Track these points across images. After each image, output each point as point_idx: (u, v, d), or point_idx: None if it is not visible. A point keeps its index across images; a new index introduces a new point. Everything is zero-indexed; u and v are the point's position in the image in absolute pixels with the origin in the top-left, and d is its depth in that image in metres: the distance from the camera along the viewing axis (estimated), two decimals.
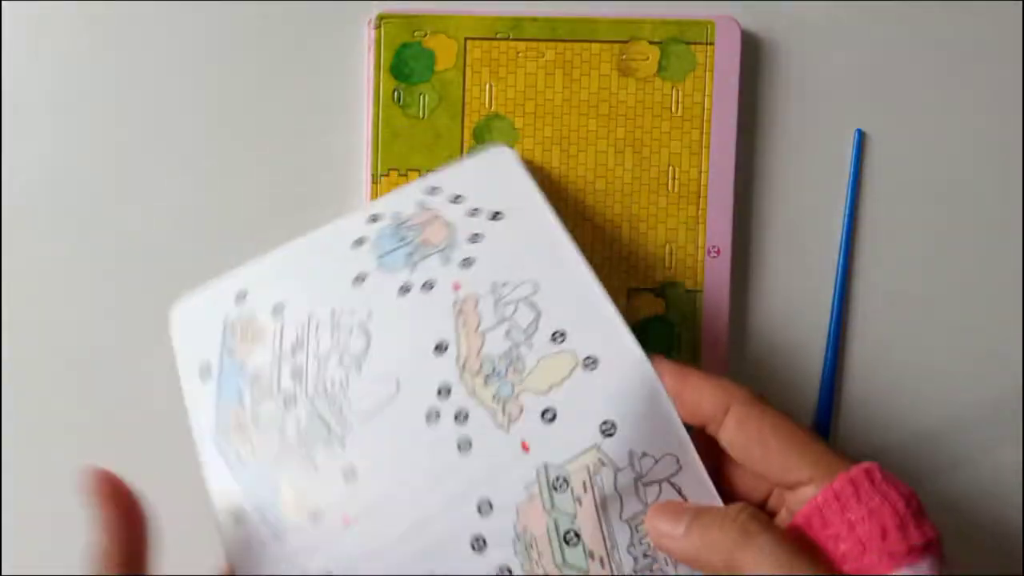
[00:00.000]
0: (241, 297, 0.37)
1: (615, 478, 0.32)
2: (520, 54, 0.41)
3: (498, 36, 0.41)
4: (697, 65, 0.41)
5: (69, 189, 0.42)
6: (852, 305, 0.43)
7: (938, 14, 0.42)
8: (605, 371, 0.32)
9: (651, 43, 0.41)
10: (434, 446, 0.33)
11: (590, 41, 0.41)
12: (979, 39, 0.42)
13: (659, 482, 0.32)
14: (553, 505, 0.32)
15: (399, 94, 0.41)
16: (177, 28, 0.42)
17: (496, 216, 0.36)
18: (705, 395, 0.32)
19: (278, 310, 0.36)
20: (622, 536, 0.31)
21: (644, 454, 0.32)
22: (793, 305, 0.43)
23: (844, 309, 0.43)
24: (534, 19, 0.41)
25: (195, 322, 0.38)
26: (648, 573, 0.31)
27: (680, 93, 0.42)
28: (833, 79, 0.43)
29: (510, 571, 0.32)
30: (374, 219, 0.38)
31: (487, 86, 0.41)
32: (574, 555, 0.31)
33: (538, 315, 0.34)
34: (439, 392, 0.33)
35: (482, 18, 0.41)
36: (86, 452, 0.39)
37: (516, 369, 0.33)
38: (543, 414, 0.32)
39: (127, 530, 0.31)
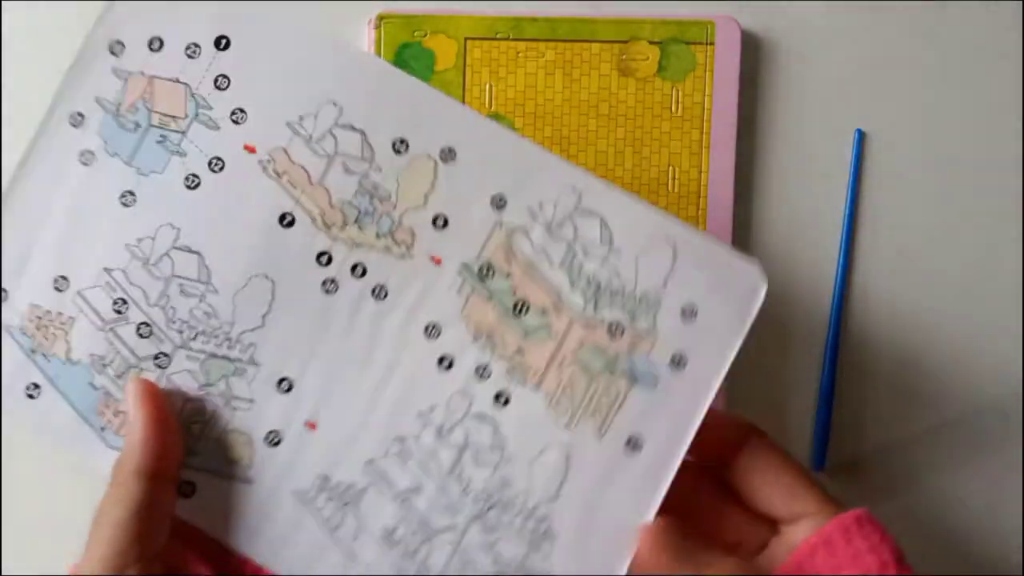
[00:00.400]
0: None
1: (529, 238, 0.32)
2: (520, 54, 0.41)
3: (498, 36, 0.41)
4: (697, 65, 0.41)
5: None
6: (852, 305, 0.43)
7: (938, 14, 0.42)
8: (466, 156, 0.32)
9: (651, 43, 0.41)
10: (350, 309, 0.32)
11: (590, 41, 0.41)
12: (979, 39, 0.42)
13: (570, 218, 0.32)
14: (490, 294, 0.32)
15: None
16: None
17: (222, 43, 0.33)
18: (728, 429, 0.33)
19: (61, 284, 0.33)
20: (563, 280, 0.32)
21: (541, 204, 0.32)
22: (793, 306, 0.43)
23: (844, 308, 0.43)
24: (534, 19, 0.41)
25: None
26: (598, 297, 0.32)
27: (680, 93, 0.42)
28: (833, 79, 0.43)
29: (487, 367, 0.32)
30: (79, 119, 0.33)
31: (487, 86, 0.41)
32: (532, 320, 0.32)
33: (362, 134, 0.32)
34: (320, 262, 0.32)
35: (482, 18, 0.41)
36: None
37: (380, 199, 0.32)
38: (434, 223, 0.32)
39: (159, 432, 0.31)
